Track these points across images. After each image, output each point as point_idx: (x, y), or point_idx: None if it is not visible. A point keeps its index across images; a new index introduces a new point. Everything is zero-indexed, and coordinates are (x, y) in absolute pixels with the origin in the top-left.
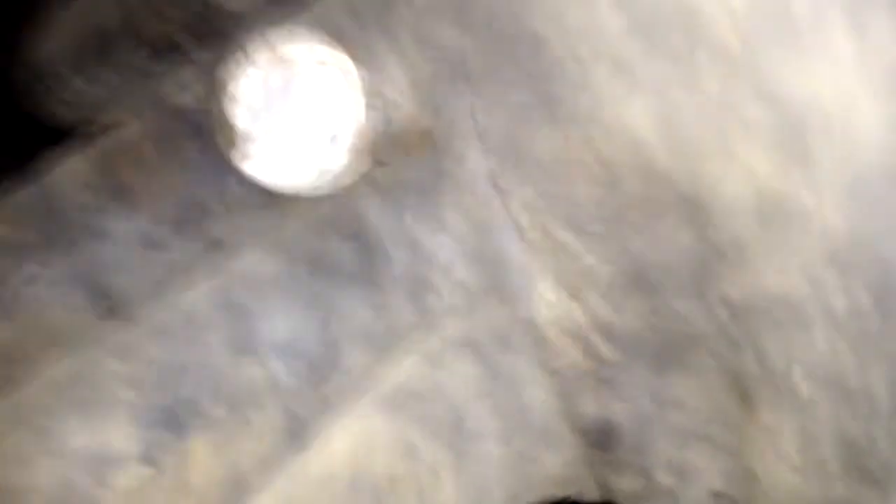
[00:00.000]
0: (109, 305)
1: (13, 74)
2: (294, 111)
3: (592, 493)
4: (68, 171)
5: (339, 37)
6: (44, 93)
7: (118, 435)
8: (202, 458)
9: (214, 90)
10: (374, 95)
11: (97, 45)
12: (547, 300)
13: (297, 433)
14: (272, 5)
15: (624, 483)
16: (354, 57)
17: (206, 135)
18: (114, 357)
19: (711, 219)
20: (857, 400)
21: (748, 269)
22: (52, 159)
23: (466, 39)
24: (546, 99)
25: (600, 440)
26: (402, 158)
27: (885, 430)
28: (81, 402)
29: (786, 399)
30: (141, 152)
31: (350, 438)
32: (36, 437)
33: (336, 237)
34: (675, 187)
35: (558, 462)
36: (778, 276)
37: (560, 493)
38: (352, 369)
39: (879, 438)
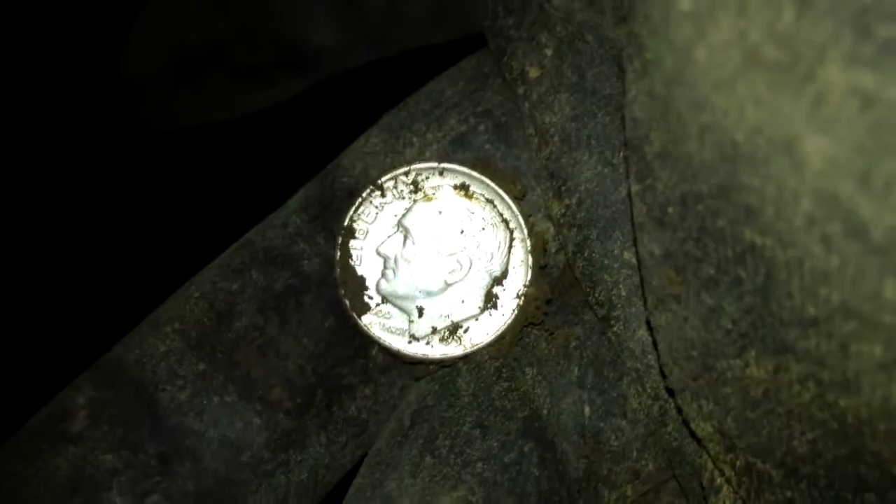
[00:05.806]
0: None
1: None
2: (440, 256)
3: None
4: (153, 349)
5: (483, 160)
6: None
7: None
8: None
9: (336, 235)
10: (531, 234)
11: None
12: None
13: None
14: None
15: None
16: (504, 186)
17: (324, 290)
18: None
19: None
20: None
21: None
22: (132, 337)
23: (650, 197)
24: (756, 319)
25: None
26: (561, 318)
27: None
28: None
29: None
30: (248, 320)
31: None
32: None
33: (511, 434)
34: None
35: None
36: None
37: None
38: None
39: None
